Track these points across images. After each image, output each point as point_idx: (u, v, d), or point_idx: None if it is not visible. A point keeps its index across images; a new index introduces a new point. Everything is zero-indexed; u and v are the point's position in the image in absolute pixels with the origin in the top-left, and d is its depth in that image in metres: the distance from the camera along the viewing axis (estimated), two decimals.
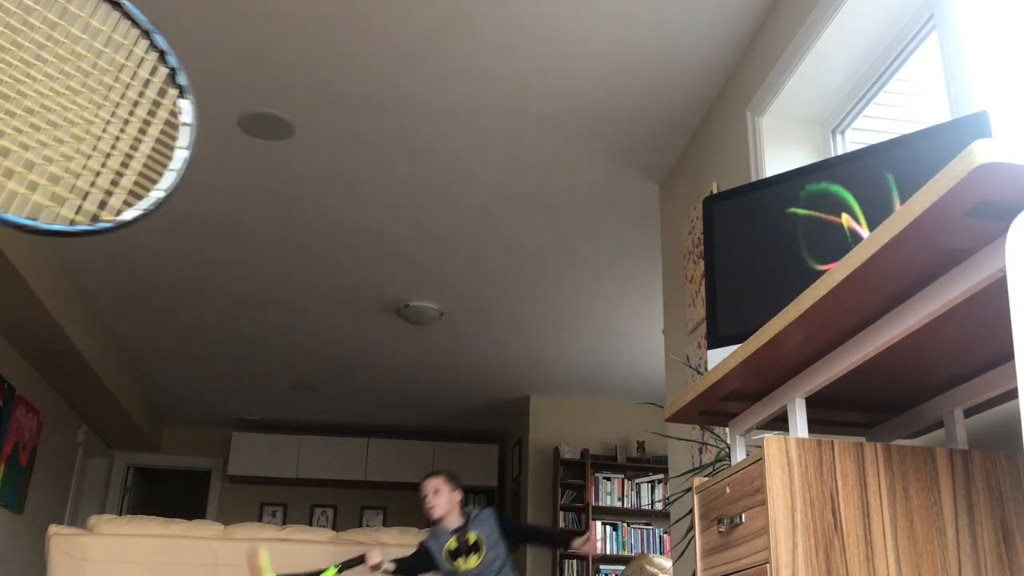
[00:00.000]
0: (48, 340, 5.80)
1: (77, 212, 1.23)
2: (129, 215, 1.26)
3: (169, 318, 6.33)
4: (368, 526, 8.35)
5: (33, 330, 5.63)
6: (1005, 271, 1.12)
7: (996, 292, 1.25)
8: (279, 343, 6.83)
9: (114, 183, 1.27)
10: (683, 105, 3.78)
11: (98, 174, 1.28)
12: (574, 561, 7.55)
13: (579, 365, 7.25)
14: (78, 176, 1.26)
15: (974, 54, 2.18)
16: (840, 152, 3.18)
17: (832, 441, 1.54)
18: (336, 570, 3.60)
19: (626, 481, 7.76)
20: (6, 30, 1.25)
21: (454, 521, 3.79)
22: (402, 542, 4.36)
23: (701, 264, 3.64)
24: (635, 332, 6.46)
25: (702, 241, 3.64)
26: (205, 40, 3.43)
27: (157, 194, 1.28)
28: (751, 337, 1.61)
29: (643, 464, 7.80)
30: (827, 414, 1.88)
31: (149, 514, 4.48)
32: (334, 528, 9.14)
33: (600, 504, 7.64)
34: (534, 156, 4.19)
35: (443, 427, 9.10)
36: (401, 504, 9.40)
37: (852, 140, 3.16)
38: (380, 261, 5.38)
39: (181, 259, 5.38)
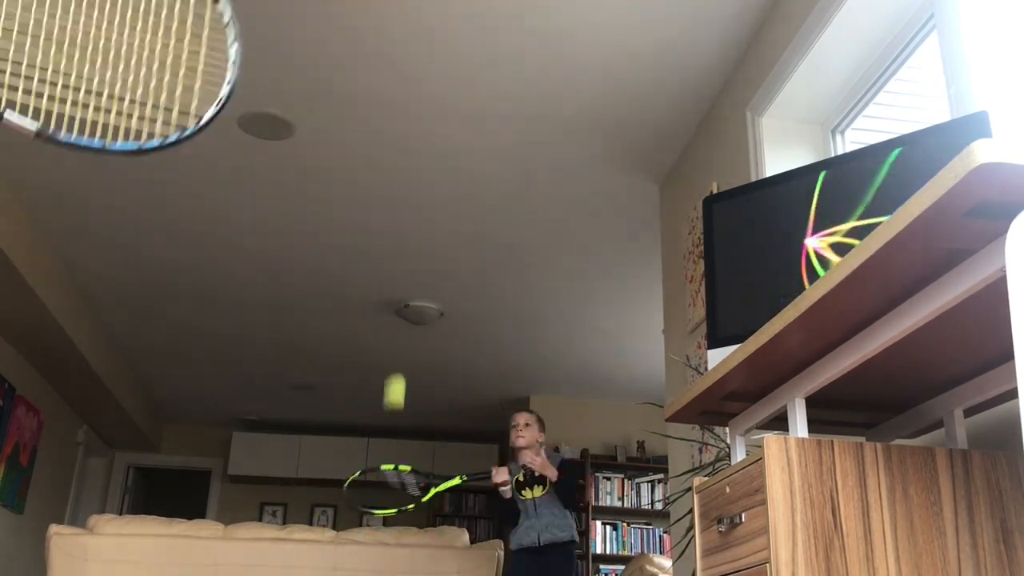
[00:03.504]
0: (48, 340, 5.80)
1: (166, 125, 1.39)
2: (208, 114, 1.41)
3: (169, 318, 6.33)
4: (368, 526, 8.35)
5: (33, 330, 5.63)
6: (1005, 271, 1.12)
7: (996, 292, 1.25)
8: (279, 343, 6.83)
9: (187, 91, 1.42)
10: (683, 105, 3.78)
11: (172, 88, 1.41)
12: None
13: (579, 365, 7.25)
14: (156, 95, 1.40)
15: (974, 54, 2.18)
16: (840, 152, 3.18)
17: (832, 441, 1.54)
18: (462, 480, 4.18)
19: (626, 481, 7.76)
20: None
21: (528, 458, 4.17)
22: (402, 541, 4.36)
23: (701, 264, 3.64)
24: (635, 332, 6.46)
25: (702, 241, 3.63)
26: None
27: (226, 88, 1.43)
28: (751, 337, 1.61)
29: (643, 464, 7.80)
30: (827, 414, 1.88)
31: (149, 514, 4.48)
32: (334, 528, 9.14)
33: (600, 504, 7.64)
34: (534, 156, 4.19)
35: (443, 427, 9.10)
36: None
37: (852, 140, 3.16)
38: (380, 261, 5.38)
39: (181, 259, 5.38)
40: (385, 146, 4.13)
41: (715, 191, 3.59)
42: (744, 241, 2.01)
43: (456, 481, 4.18)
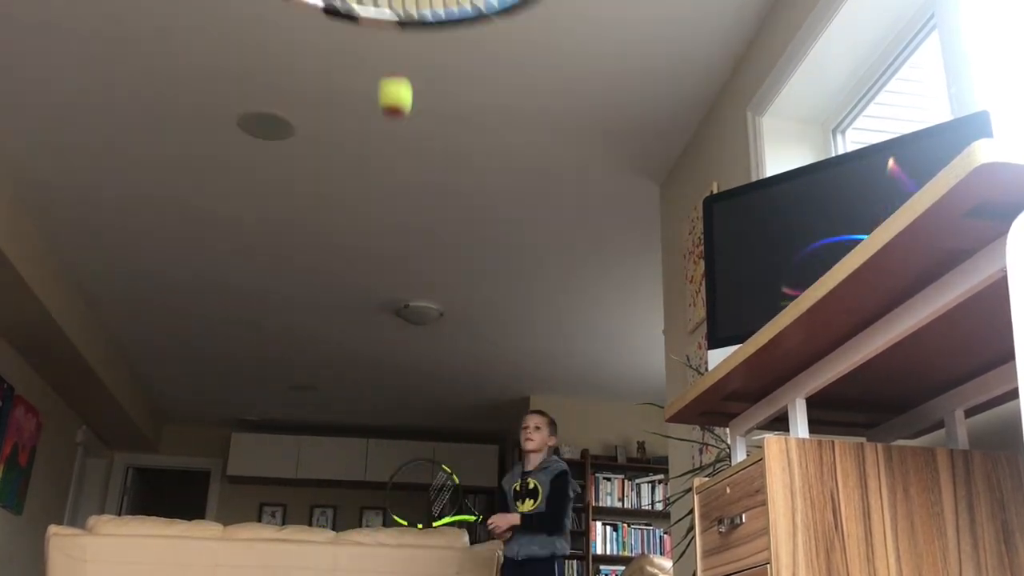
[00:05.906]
0: (48, 340, 5.79)
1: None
2: None
3: (169, 318, 6.32)
4: (368, 526, 8.34)
5: (33, 330, 5.62)
6: (1005, 271, 1.11)
7: (996, 292, 1.25)
8: (279, 343, 6.82)
9: None
10: (683, 105, 3.77)
11: None
12: (574, 561, 7.55)
13: (579, 365, 7.25)
14: None
15: (974, 54, 2.18)
16: (840, 152, 3.18)
17: (833, 441, 1.54)
18: (476, 519, 4.19)
19: (626, 481, 7.76)
20: None
21: (532, 463, 4.13)
22: (402, 542, 4.35)
23: (701, 264, 3.64)
24: (635, 332, 6.45)
25: (702, 241, 3.63)
26: (205, 40, 3.42)
27: None
28: (751, 337, 1.61)
29: (643, 464, 7.79)
30: (827, 414, 1.87)
31: (149, 514, 4.47)
32: (334, 528, 9.13)
33: (600, 504, 7.64)
34: (534, 156, 4.19)
35: (443, 427, 9.09)
36: (400, 505, 9.38)
37: (852, 140, 3.16)
38: (380, 261, 5.38)
39: (181, 259, 5.37)
40: (385, 146, 4.13)
41: (715, 191, 3.59)
42: (744, 241, 2.01)
43: (471, 519, 4.23)
